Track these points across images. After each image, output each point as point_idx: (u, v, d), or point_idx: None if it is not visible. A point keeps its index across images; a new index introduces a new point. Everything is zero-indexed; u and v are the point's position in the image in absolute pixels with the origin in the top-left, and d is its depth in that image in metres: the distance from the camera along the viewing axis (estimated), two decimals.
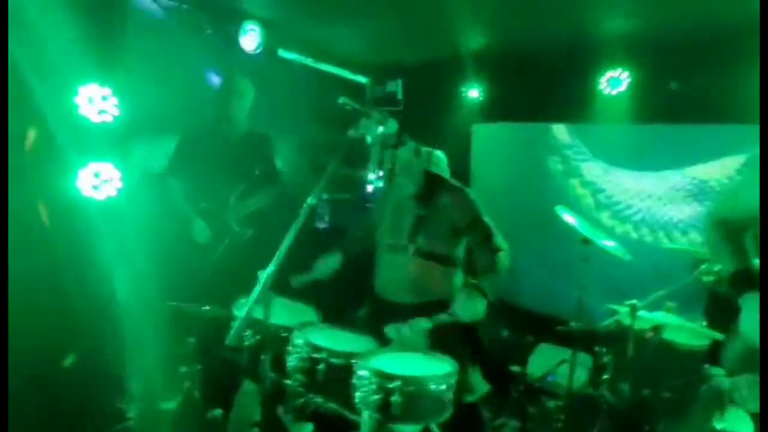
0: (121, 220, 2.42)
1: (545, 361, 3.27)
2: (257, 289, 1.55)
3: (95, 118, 2.25)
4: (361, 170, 4.24)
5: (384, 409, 1.44)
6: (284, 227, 1.64)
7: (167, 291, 2.28)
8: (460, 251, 2.08)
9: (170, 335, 2.29)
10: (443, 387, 1.49)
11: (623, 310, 2.33)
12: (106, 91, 2.26)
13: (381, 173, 2.14)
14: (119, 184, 2.34)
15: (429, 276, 2.00)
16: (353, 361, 1.58)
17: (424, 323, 1.80)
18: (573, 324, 2.70)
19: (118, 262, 2.52)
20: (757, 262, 1.28)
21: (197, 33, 3.04)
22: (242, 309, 1.61)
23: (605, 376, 2.64)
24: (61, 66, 2.09)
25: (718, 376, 2.21)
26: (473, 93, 4.02)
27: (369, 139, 2.98)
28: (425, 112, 4.02)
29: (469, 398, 1.95)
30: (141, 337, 2.43)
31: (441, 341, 1.82)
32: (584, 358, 2.90)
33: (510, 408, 2.87)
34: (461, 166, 3.74)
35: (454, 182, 2.14)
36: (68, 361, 2.50)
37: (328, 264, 2.13)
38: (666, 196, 3.35)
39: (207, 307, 2.07)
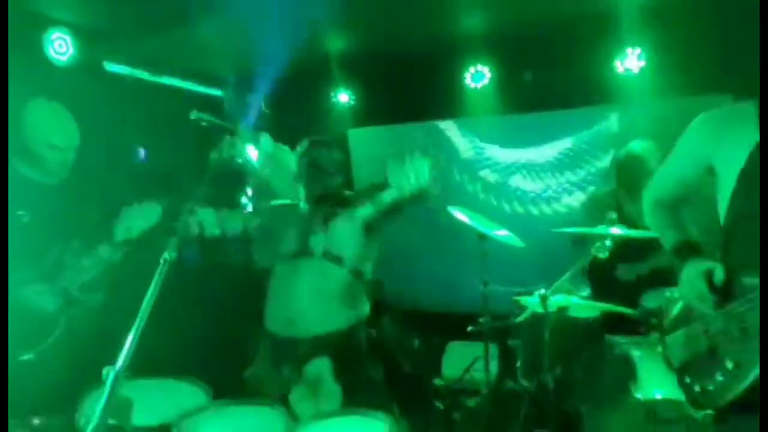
0: None
1: (458, 360, 3.23)
2: (105, 391, 1.09)
3: None
4: (234, 199, 3.74)
5: None
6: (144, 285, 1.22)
7: None
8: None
9: None
10: None
11: (533, 300, 2.32)
12: None
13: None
14: None
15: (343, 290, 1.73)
16: None
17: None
18: (483, 320, 2.65)
19: None
20: (692, 231, 1.38)
21: None
22: (91, 418, 1.13)
23: (518, 364, 2.63)
24: None
25: (620, 344, 2.36)
26: (343, 97, 3.83)
27: (239, 160, 2.56)
28: (294, 122, 3.72)
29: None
30: None
31: (346, 368, 1.55)
32: (494, 350, 2.89)
33: (436, 423, 2.73)
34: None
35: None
36: None
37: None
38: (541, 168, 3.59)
39: (37, 421, 1.48)
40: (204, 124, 1.50)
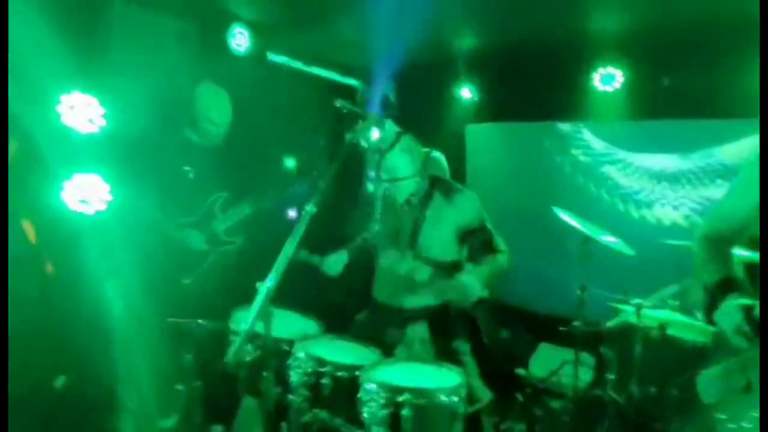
0: (111, 234, 2.34)
1: (547, 362, 3.25)
2: (257, 302, 1.49)
3: (82, 128, 2.17)
4: (358, 176, 4.18)
5: (394, 424, 1.39)
6: (278, 235, 1.59)
7: (159, 306, 2.21)
8: (461, 254, 2.05)
9: (166, 351, 2.22)
10: (455, 399, 1.44)
11: (628, 309, 2.30)
12: (91, 99, 2.17)
13: (376, 176, 2.08)
14: (108, 197, 2.26)
15: (428, 280, 1.94)
16: (358, 373, 1.52)
17: (421, 329, 1.77)
18: (576, 324, 2.67)
19: (109, 278, 2.44)
20: (736, 270, 1.37)
21: (182, 40, 2.97)
22: (241, 323, 1.54)
23: (611, 376, 2.61)
24: (40, 73, 2.01)
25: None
26: (465, 93, 3.98)
27: (363, 143, 2.93)
28: (418, 113, 3.97)
29: (473, 408, 1.91)
30: (135, 353, 2.36)
31: (441, 330, 1.77)
32: (586, 358, 2.87)
33: (515, 411, 2.83)
34: (456, 168, 3.71)
35: (458, 184, 2.10)
36: (60, 382, 2.42)
37: (335, 262, 2.09)
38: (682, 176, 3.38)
39: (202, 321, 2.00)
40: (344, 110, 1.83)
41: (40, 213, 2.32)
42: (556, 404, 2.89)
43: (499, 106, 3.82)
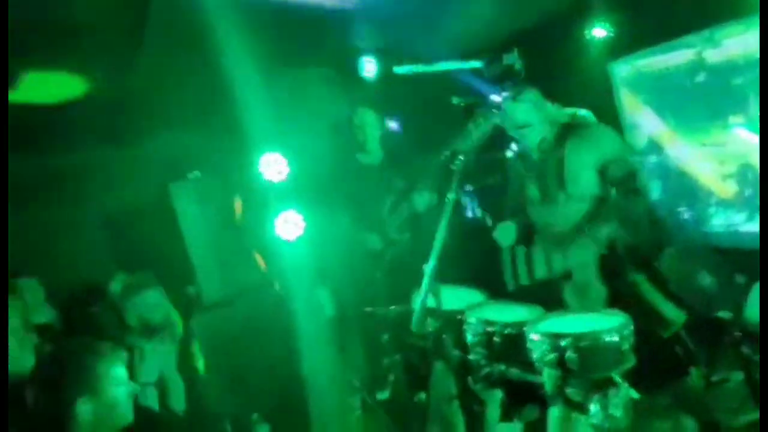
0: (310, 252, 3.01)
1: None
2: (425, 281, 1.83)
3: (274, 178, 2.88)
4: (499, 151, 4.27)
5: (561, 366, 1.55)
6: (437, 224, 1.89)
7: (359, 300, 2.76)
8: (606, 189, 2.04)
9: (370, 336, 2.75)
10: (616, 338, 1.53)
11: None
12: (277, 155, 2.87)
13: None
14: (303, 224, 2.92)
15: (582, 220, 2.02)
16: (524, 328, 1.72)
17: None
18: None
19: (318, 286, 3.13)
20: None
21: (327, 83, 3.58)
22: (417, 301, 1.90)
23: None
24: (248, 141, 2.76)
25: None
26: (598, 32, 3.70)
27: (497, 121, 3.08)
28: (550, 71, 3.84)
29: (668, 332, 1.91)
30: (350, 341, 2.97)
31: (610, 269, 1.84)
32: None
33: (727, 359, 2.57)
34: (608, 113, 3.48)
35: (590, 121, 2.13)
36: (301, 370, 3.15)
37: (505, 231, 2.25)
38: None
39: (393, 307, 2.44)
40: (462, 105, 2.07)
41: (265, 246, 3.13)
42: None
43: (642, 34, 3.47)
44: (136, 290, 2.13)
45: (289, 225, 2.90)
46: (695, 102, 3.34)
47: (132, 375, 1.55)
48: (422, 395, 2.63)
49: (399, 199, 3.05)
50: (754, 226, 3.17)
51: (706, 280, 3.19)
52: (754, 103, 3.00)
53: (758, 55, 2.92)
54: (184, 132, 3.17)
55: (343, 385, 2.95)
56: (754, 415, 2.20)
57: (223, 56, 2.58)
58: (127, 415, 1.25)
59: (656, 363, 1.66)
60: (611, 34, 3.60)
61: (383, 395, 2.98)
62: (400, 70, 3.99)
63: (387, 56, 3.66)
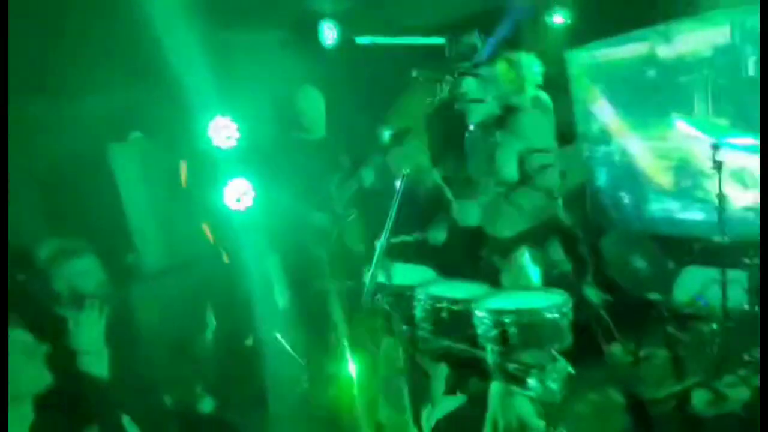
0: (261, 224, 2.91)
1: (692, 285, 3.05)
2: (376, 256, 1.81)
3: (224, 144, 2.74)
4: (456, 134, 4.28)
5: (503, 341, 1.59)
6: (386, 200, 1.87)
7: (309, 272, 2.71)
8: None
9: (321, 308, 2.72)
10: (557, 315, 1.59)
11: None
12: (227, 120, 2.72)
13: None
14: (253, 194, 2.81)
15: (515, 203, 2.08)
16: (471, 305, 1.75)
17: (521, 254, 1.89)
18: (718, 239, 2.49)
19: (269, 256, 3.04)
20: None
21: (284, 47, 3.41)
22: (367, 276, 1.88)
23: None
24: (197, 105, 2.59)
25: None
26: (557, 19, 3.75)
27: (455, 102, 3.05)
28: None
29: (587, 312, 2.00)
30: (303, 311, 2.93)
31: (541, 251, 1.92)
32: (739, 275, 2.64)
33: (654, 337, 2.77)
34: (563, 99, 3.55)
35: (528, 106, 2.16)
36: (249, 341, 3.10)
37: (467, 210, 2.26)
38: None
39: (340, 283, 2.43)
40: (422, 79, 2.02)
41: (212, 215, 2.99)
42: (706, 328, 2.74)
43: (598, 24, 3.54)
44: (67, 257, 1.96)
45: (238, 194, 2.78)
46: (644, 96, 3.48)
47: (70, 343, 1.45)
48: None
49: (346, 175, 3.00)
50: (688, 215, 3.38)
51: (639, 263, 3.41)
52: (699, 101, 3.18)
53: (707, 54, 3.07)
54: (125, 89, 2.93)
55: (291, 358, 2.93)
56: (676, 388, 2.40)
57: (168, 9, 2.38)
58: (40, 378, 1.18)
59: (583, 340, 1.73)
60: (570, 22, 3.67)
61: (332, 368, 2.99)
62: (361, 40, 3.87)
63: (348, 24, 3.52)
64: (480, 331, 1.67)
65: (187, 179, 3.09)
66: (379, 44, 3.87)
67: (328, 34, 3.44)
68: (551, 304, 1.61)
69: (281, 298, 3.12)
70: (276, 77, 3.25)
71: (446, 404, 2.04)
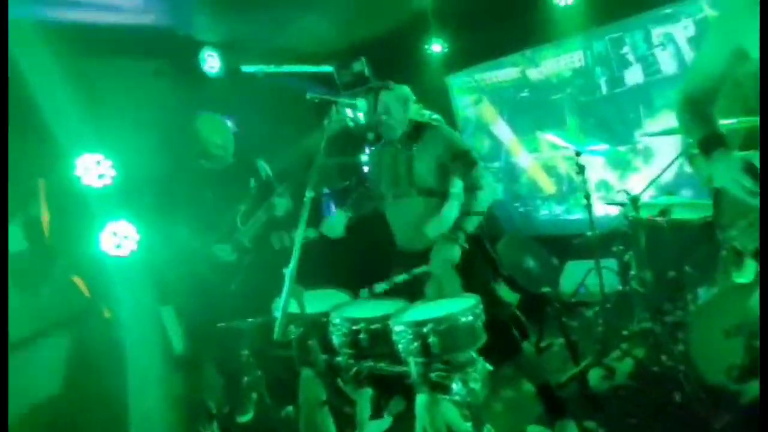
0: (149, 269, 2.61)
1: (574, 277, 3.42)
2: (286, 285, 1.71)
3: (96, 183, 2.43)
4: (353, 155, 4.35)
5: (425, 351, 1.60)
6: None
7: (211, 316, 2.48)
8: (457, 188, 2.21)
9: (226, 353, 2.50)
10: (471, 318, 1.64)
11: (626, 203, 2.44)
12: (98, 156, 2.42)
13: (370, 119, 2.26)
14: (137, 237, 2.52)
15: (431, 215, 2.14)
16: (389, 322, 1.74)
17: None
18: (589, 234, 2.84)
19: (163, 305, 2.73)
20: (718, 125, 1.36)
21: (158, 76, 3.17)
22: (278, 307, 1.77)
23: (632, 272, 2.75)
24: (58, 142, 2.26)
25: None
26: (436, 47, 4.06)
27: (350, 123, 3.09)
28: (395, 79, 4.07)
29: (505, 312, 2.11)
30: (203, 362, 2.65)
31: (465, 265, 1.99)
32: (610, 263, 3.01)
33: (551, 328, 3.03)
34: (447, 121, 3.81)
35: (434, 124, 2.28)
36: (146, 406, 2.72)
37: (332, 224, 2.27)
38: None
39: (251, 320, 2.25)
40: (316, 101, 2.01)
41: (86, 266, 2.61)
42: (589, 313, 3.07)
43: (472, 51, 3.90)
44: None
45: (118, 238, 2.47)
46: (523, 114, 3.94)
47: None
48: (290, 409, 2.50)
49: (253, 206, 2.84)
50: (569, 216, 3.87)
51: (530, 263, 3.74)
52: (567, 115, 3.65)
53: (568, 74, 3.57)
54: None
55: (196, 413, 2.63)
56: (574, 370, 2.63)
57: (19, 34, 2.08)
58: None
59: (498, 340, 1.83)
60: (447, 50, 4.00)
61: (245, 417, 2.74)
62: (247, 68, 3.78)
63: (231, 52, 3.42)
64: (401, 346, 1.66)
65: (50, 228, 2.67)
66: (268, 72, 3.82)
67: (211, 62, 3.31)
68: (465, 307, 1.67)
69: (178, 346, 2.82)
70: (155, 107, 3.00)
71: (374, 428, 1.99)
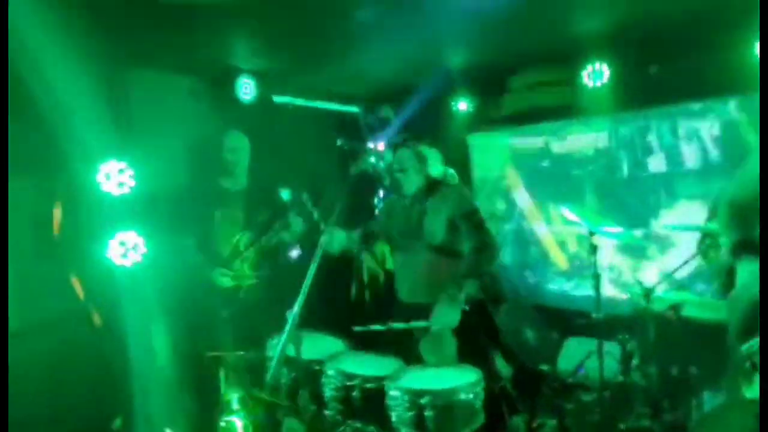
0: (149, 282, 2.57)
1: (574, 356, 3.32)
2: (287, 328, 1.67)
3: (115, 191, 2.43)
4: (369, 197, 4.36)
5: (419, 425, 1.53)
6: (298, 264, 1.77)
7: (201, 341, 2.42)
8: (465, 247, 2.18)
9: (210, 385, 2.41)
10: (471, 396, 1.58)
11: (639, 294, 2.40)
12: (122, 165, 2.44)
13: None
14: (144, 250, 2.50)
15: (441, 272, 2.10)
16: (384, 383, 1.68)
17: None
18: (595, 315, 2.78)
19: (152, 322, 2.67)
20: (756, 232, 1.38)
21: (192, 95, 3.25)
22: (275, 349, 1.72)
23: (635, 362, 2.68)
24: (85, 146, 2.28)
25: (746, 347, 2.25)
26: (462, 106, 4.16)
27: (370, 168, 3.12)
28: (419, 132, 4.14)
29: (498, 384, 2.04)
30: (184, 390, 2.56)
31: (464, 328, 1.93)
32: (613, 348, 2.94)
33: (545, 407, 2.91)
34: (463, 177, 3.86)
35: (448, 183, 2.29)
36: (116, 424, 2.63)
37: (334, 238, 2.19)
38: None
39: (242, 353, 2.19)
40: (345, 147, 2.04)
41: (88, 270, 2.58)
42: (586, 397, 2.96)
43: (495, 115, 3.99)
44: None
45: (126, 248, 2.45)
46: (541, 184, 3.96)
47: None
48: None
49: (260, 232, 2.82)
50: (577, 291, 3.78)
51: (528, 333, 3.66)
52: (586, 191, 3.66)
53: (591, 152, 3.62)
54: None
55: None
56: None
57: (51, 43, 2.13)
58: None
59: (485, 414, 1.74)
60: (471, 110, 4.10)
61: None
62: (279, 99, 3.87)
63: (265, 81, 3.51)
64: (394, 413, 1.59)
65: (62, 226, 2.66)
66: (297, 105, 3.91)
67: (246, 89, 3.40)
68: (466, 382, 1.61)
69: (164, 368, 2.73)
70: (183, 123, 3.05)
71: None
